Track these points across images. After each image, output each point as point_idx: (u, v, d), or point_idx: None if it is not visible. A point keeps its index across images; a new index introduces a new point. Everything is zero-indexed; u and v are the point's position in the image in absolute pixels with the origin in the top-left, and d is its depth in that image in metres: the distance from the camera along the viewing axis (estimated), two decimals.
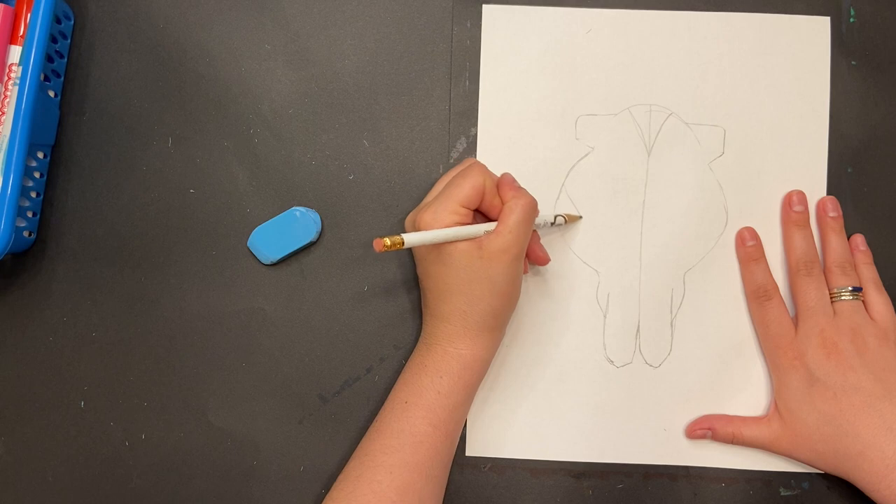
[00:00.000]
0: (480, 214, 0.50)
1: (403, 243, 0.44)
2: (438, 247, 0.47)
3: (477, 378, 0.49)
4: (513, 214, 0.47)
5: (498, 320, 0.48)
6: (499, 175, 0.50)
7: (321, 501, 0.47)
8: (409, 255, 0.54)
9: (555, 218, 0.52)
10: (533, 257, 0.52)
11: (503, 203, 0.48)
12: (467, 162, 0.51)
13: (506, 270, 0.46)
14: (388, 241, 0.43)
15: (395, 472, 0.46)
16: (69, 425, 0.53)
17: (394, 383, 0.53)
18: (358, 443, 0.52)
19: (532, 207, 0.47)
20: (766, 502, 0.52)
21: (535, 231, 0.51)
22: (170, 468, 0.53)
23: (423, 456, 0.46)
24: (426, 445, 0.47)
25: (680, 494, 0.52)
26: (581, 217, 0.53)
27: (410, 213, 0.50)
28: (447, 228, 0.46)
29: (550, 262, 0.52)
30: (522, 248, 0.47)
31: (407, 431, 0.47)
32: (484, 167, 0.49)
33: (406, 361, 0.53)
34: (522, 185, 0.50)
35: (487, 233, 0.47)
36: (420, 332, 0.52)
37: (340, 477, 0.48)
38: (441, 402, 0.47)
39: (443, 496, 0.49)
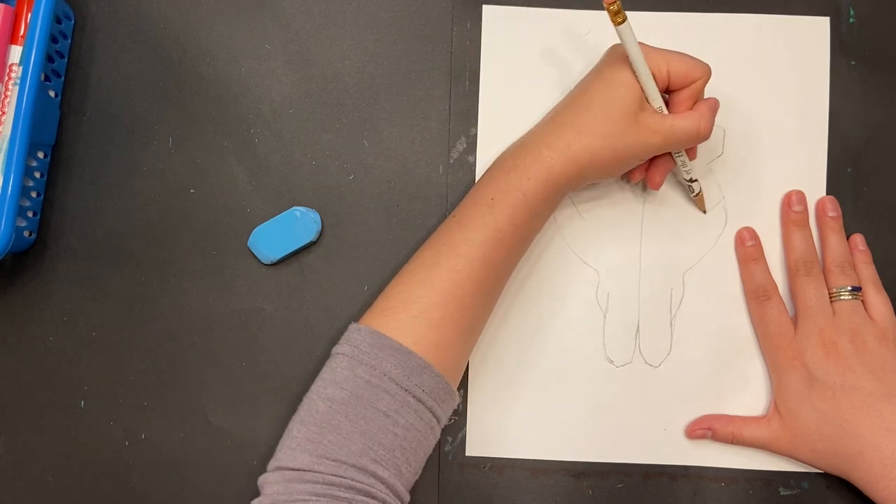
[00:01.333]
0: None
1: (623, 21, 0.44)
2: (622, 69, 0.47)
3: (552, 199, 0.48)
4: (687, 121, 0.47)
5: (591, 165, 0.47)
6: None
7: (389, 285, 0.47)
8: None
9: (693, 184, 0.52)
10: (653, 174, 0.51)
11: (690, 108, 0.48)
12: (699, 60, 0.49)
13: (637, 142, 0.47)
14: (619, 7, 0.44)
15: (474, 266, 0.45)
16: (69, 425, 0.53)
17: None
18: None
19: (702, 136, 0.48)
20: (765, 502, 0.52)
21: (672, 160, 0.51)
22: (170, 468, 0.53)
23: (501, 254, 0.46)
24: (506, 244, 0.46)
25: (680, 494, 0.52)
26: (705, 212, 0.54)
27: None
28: (649, 70, 0.46)
29: (550, 262, 0.52)
30: (665, 147, 0.48)
31: (491, 227, 0.46)
32: (709, 72, 0.48)
33: None
34: None
35: (658, 109, 0.48)
36: None
37: (410, 264, 0.47)
38: (525, 204, 0.46)
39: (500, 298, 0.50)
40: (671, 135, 0.47)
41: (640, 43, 0.46)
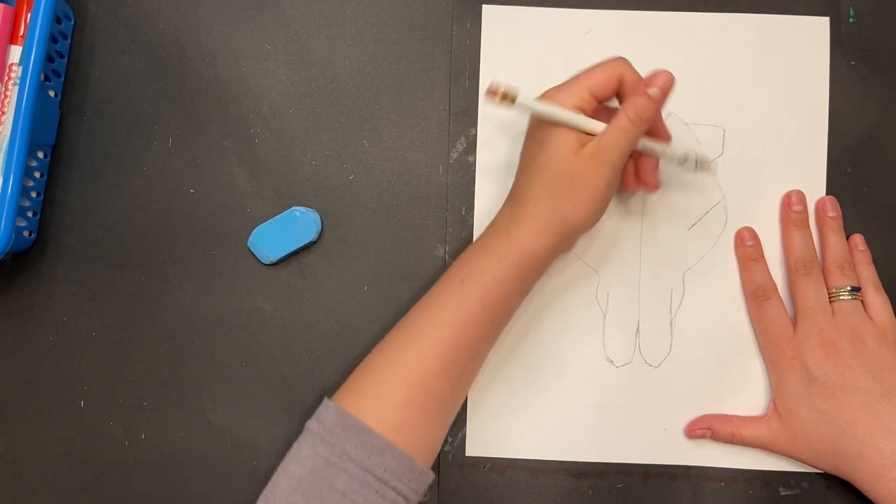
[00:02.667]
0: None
1: (515, 100, 0.42)
2: (545, 125, 0.46)
3: (533, 273, 0.47)
4: (620, 121, 0.44)
5: (566, 227, 0.46)
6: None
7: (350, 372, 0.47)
8: (411, 258, 0.54)
9: (685, 156, 0.48)
10: (643, 178, 0.49)
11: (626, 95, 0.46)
12: (613, 57, 0.47)
13: (592, 175, 0.45)
14: (503, 89, 0.42)
15: (441, 347, 0.45)
16: (69, 425, 0.53)
17: None
18: None
19: (641, 115, 0.44)
20: (765, 502, 0.52)
21: (656, 157, 0.49)
22: (170, 468, 0.53)
23: (470, 335, 0.46)
24: (475, 326, 0.46)
25: (680, 494, 0.52)
26: (713, 173, 0.51)
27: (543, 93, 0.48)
28: (559, 107, 0.44)
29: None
30: (619, 157, 0.45)
31: (460, 309, 0.46)
32: (627, 62, 0.46)
33: None
34: None
35: (596, 132, 0.45)
36: None
37: (381, 345, 0.47)
38: (496, 286, 0.46)
39: (475, 379, 0.49)
40: (615, 146, 0.44)
41: (549, 91, 0.46)
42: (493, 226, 0.48)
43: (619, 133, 0.45)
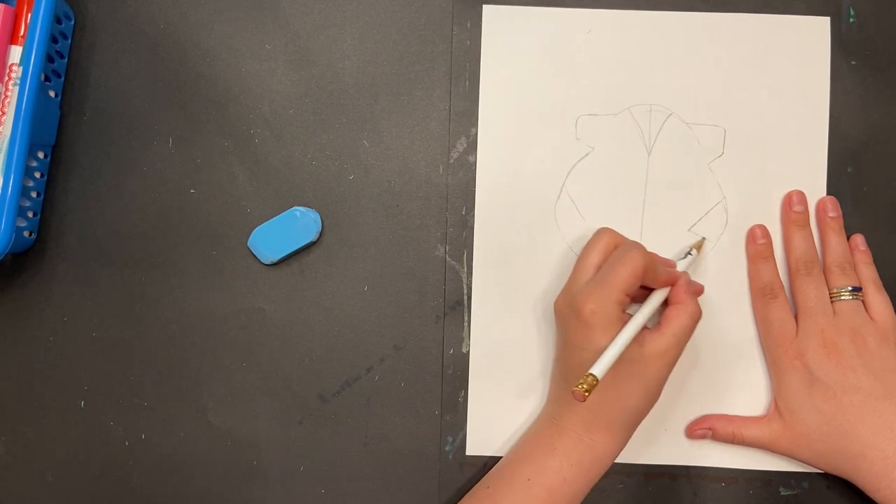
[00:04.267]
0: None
1: (598, 380, 0.43)
2: (599, 336, 0.46)
3: (602, 471, 0.48)
4: (679, 320, 0.47)
5: (639, 418, 0.48)
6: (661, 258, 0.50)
7: None
8: (411, 258, 0.54)
9: (687, 254, 0.52)
10: (696, 294, 0.51)
11: (669, 302, 0.48)
12: (625, 245, 0.49)
13: (660, 373, 0.47)
14: (585, 386, 0.42)
15: None
16: (69, 425, 0.53)
17: (395, 384, 0.53)
18: (356, 443, 0.52)
19: (697, 317, 0.48)
20: (766, 502, 0.52)
21: (685, 272, 0.51)
22: (170, 468, 0.53)
23: None
24: None
25: (680, 494, 0.52)
26: (705, 239, 0.53)
27: (559, 296, 0.49)
28: (620, 338, 0.45)
29: (551, 262, 0.52)
30: (681, 351, 0.47)
31: None
32: (643, 252, 0.47)
33: (405, 363, 0.53)
34: (524, 184, 0.49)
35: (648, 330, 0.47)
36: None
37: None
38: (564, 488, 0.46)
39: None
40: (678, 342, 0.47)
41: (580, 291, 0.47)
42: (559, 427, 0.48)
43: (682, 331, 0.47)
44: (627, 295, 0.47)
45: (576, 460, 0.47)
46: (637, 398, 0.47)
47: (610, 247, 0.49)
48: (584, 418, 0.47)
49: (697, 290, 0.51)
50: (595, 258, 0.49)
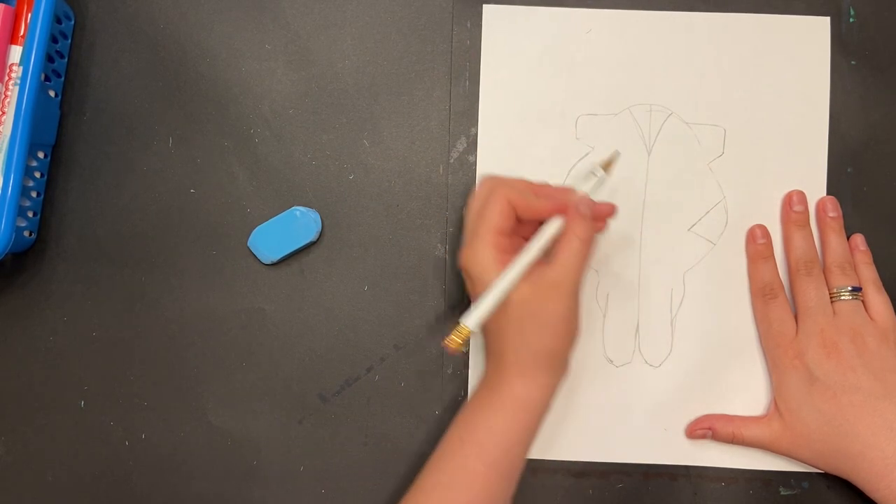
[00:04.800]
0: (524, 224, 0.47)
1: (471, 332, 0.42)
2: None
3: (534, 418, 0.46)
4: (568, 246, 0.44)
5: (553, 359, 0.46)
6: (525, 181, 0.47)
7: None
8: (411, 258, 0.54)
9: (591, 171, 0.48)
10: (597, 216, 0.48)
11: (552, 206, 0.45)
12: (484, 183, 0.47)
13: (559, 306, 0.44)
14: (455, 338, 0.42)
15: None
16: (69, 425, 0.53)
17: (395, 384, 0.53)
18: (356, 443, 0.52)
19: (587, 238, 0.45)
20: (766, 502, 0.52)
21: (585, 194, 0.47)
22: (170, 468, 0.53)
23: (475, 494, 0.45)
24: (479, 484, 0.45)
25: (680, 494, 0.52)
26: (618, 153, 0.49)
27: (462, 257, 0.47)
28: (499, 283, 0.43)
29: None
30: (579, 280, 0.45)
31: (460, 469, 0.46)
32: (502, 182, 0.46)
33: (405, 363, 0.53)
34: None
35: (542, 265, 0.45)
36: (404, 339, 0.51)
37: None
38: (494, 440, 0.45)
39: None
40: (572, 273, 0.44)
41: (467, 259, 0.45)
42: (484, 383, 0.48)
43: (574, 258, 0.44)
44: (504, 235, 0.45)
45: (498, 410, 0.45)
46: (542, 338, 0.45)
47: (484, 193, 0.46)
48: (498, 368, 0.46)
49: (601, 212, 0.47)
50: (473, 209, 0.47)
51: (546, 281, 0.44)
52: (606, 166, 0.48)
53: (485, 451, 0.45)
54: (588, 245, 0.45)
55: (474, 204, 0.47)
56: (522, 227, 0.48)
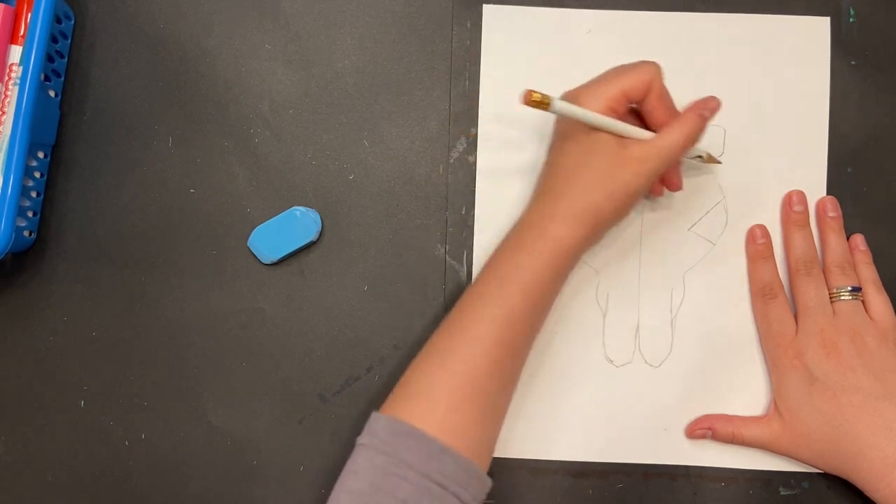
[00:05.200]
0: (635, 118, 0.48)
1: (550, 106, 0.42)
2: (582, 127, 0.46)
3: (566, 266, 0.47)
4: (671, 134, 0.46)
5: (599, 221, 0.46)
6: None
7: (389, 394, 0.46)
8: (411, 258, 0.54)
9: (698, 153, 0.50)
10: (667, 181, 0.51)
11: (670, 117, 0.47)
12: (644, 62, 0.48)
13: (633, 178, 0.45)
14: (537, 94, 0.41)
15: (489, 346, 0.45)
16: (69, 425, 0.53)
17: (395, 384, 0.53)
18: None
19: (693, 136, 0.46)
20: (765, 502, 0.52)
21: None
22: (170, 468, 0.53)
23: (516, 332, 0.46)
24: (520, 322, 0.46)
25: (680, 494, 0.52)
26: (720, 163, 0.52)
27: (569, 90, 0.48)
28: (601, 115, 0.45)
29: None
30: (661, 167, 0.46)
31: (502, 307, 0.45)
32: (659, 68, 0.47)
33: (405, 363, 0.53)
34: (524, 184, 0.49)
35: (638, 138, 0.46)
36: (400, 337, 0.51)
37: (426, 349, 0.47)
38: (535, 280, 0.45)
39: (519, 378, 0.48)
40: (660, 155, 0.46)
41: (581, 90, 0.46)
42: (526, 222, 0.48)
43: (669, 145, 0.46)
44: (626, 97, 0.46)
45: (539, 250, 0.46)
46: (600, 195, 0.45)
47: (636, 64, 0.48)
48: (549, 209, 0.47)
49: (710, 107, 0.48)
50: (617, 69, 0.48)
51: (635, 150, 0.46)
52: (709, 158, 0.51)
53: (527, 290, 0.46)
54: (687, 143, 0.46)
55: (621, 66, 0.47)
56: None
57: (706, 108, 0.47)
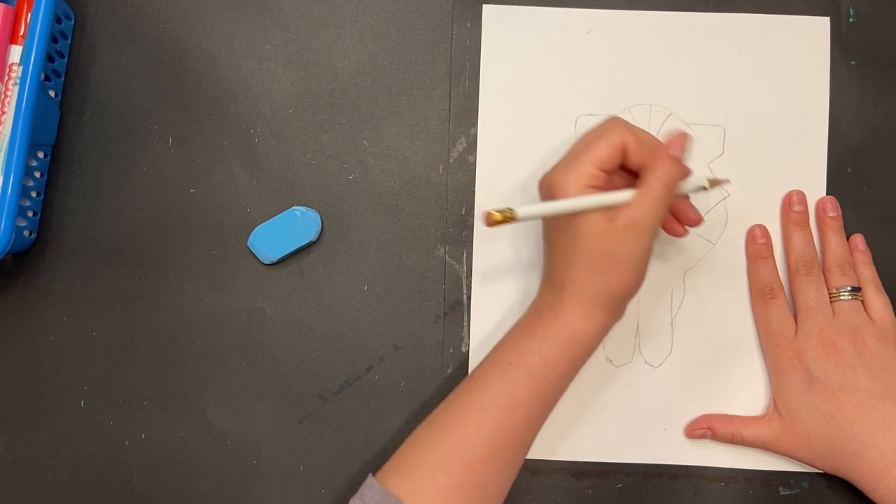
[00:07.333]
0: (628, 174, 0.47)
1: (515, 218, 0.41)
2: (566, 215, 0.44)
3: (584, 354, 0.46)
4: (650, 188, 0.44)
5: (614, 300, 0.45)
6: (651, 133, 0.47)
7: (383, 464, 0.46)
8: (411, 258, 0.54)
9: (699, 184, 0.48)
10: (683, 219, 0.49)
11: (651, 157, 0.45)
12: (610, 120, 0.46)
13: (631, 248, 0.44)
14: (497, 214, 0.40)
15: (486, 431, 0.44)
16: (69, 425, 0.53)
17: (395, 384, 0.53)
18: (356, 443, 0.52)
19: (670, 181, 0.44)
20: (765, 502, 0.52)
21: (685, 196, 0.48)
22: (170, 468, 0.53)
23: (516, 420, 0.45)
24: (522, 410, 0.45)
25: (680, 494, 0.52)
26: (728, 181, 0.49)
27: (545, 174, 0.46)
28: (569, 199, 0.43)
29: None
30: (655, 224, 0.44)
31: (505, 392, 0.45)
32: (625, 124, 0.45)
33: (404, 363, 0.53)
34: (524, 184, 0.49)
35: (623, 205, 0.44)
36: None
37: (426, 423, 0.46)
38: (545, 370, 0.45)
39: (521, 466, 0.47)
40: (650, 212, 0.44)
41: (553, 176, 0.45)
42: (537, 310, 0.47)
43: (653, 202, 0.44)
44: (603, 170, 0.44)
45: (553, 340, 0.45)
46: (609, 277, 0.44)
47: (604, 126, 0.46)
48: (559, 298, 0.45)
49: (680, 144, 0.46)
50: (586, 137, 0.46)
51: (622, 220, 0.44)
52: (713, 182, 0.48)
53: (534, 378, 0.45)
54: (669, 191, 0.44)
55: (590, 133, 0.46)
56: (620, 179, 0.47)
57: (677, 147, 0.45)
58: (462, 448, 0.44)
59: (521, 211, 0.42)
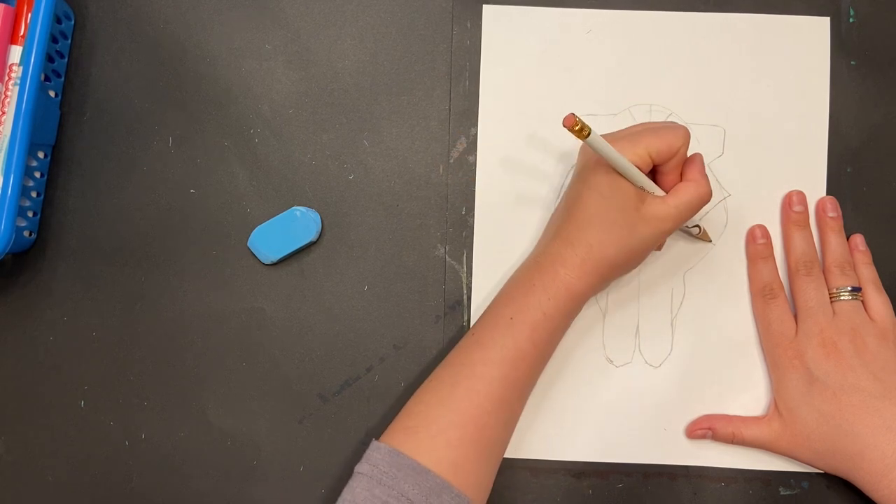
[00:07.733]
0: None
1: (589, 134, 0.42)
2: (605, 172, 0.46)
3: (575, 310, 0.48)
4: (687, 195, 0.47)
5: (611, 272, 0.48)
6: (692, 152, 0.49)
7: (391, 422, 0.47)
8: (411, 258, 0.54)
9: (693, 227, 0.52)
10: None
11: (682, 178, 0.48)
12: (679, 125, 0.48)
13: (647, 237, 0.47)
14: (578, 121, 0.42)
15: (493, 385, 0.45)
16: (69, 425, 0.53)
17: (395, 384, 0.53)
18: (356, 443, 0.52)
19: (705, 200, 0.48)
20: (765, 502, 0.52)
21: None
22: (170, 468, 0.53)
23: (521, 372, 0.46)
24: (526, 363, 0.46)
25: (680, 494, 0.52)
26: (711, 242, 0.54)
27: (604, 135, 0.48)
28: (626, 160, 0.45)
29: None
30: (675, 227, 0.48)
31: (510, 346, 0.46)
32: (688, 136, 0.47)
33: (404, 363, 0.53)
34: (524, 184, 0.49)
35: (655, 195, 0.47)
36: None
37: (429, 382, 0.47)
38: (545, 323, 0.46)
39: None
40: (679, 214, 0.47)
41: (610, 137, 0.46)
42: (539, 263, 0.48)
43: (689, 204, 0.47)
44: (651, 157, 0.46)
45: (553, 294, 0.46)
46: (616, 249, 0.46)
47: (671, 126, 0.48)
48: (562, 253, 0.47)
49: (701, 164, 0.49)
50: (650, 126, 0.48)
51: (655, 209, 0.47)
52: (703, 234, 0.53)
53: (535, 331, 0.46)
54: (702, 202, 0.48)
55: (655, 123, 0.49)
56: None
57: (702, 162, 0.49)
58: (471, 403, 0.45)
59: (595, 136, 0.43)
